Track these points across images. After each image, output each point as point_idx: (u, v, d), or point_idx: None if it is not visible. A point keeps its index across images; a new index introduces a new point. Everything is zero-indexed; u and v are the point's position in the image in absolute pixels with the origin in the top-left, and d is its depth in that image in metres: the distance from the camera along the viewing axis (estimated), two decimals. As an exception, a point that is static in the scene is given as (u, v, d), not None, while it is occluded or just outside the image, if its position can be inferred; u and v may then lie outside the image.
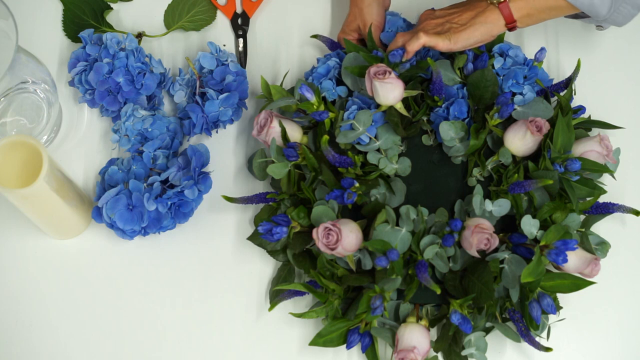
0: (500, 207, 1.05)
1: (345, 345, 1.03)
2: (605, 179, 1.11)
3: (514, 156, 1.08)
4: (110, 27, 1.23)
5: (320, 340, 1.03)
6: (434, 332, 1.07)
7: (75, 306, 1.11)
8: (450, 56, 1.13)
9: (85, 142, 1.18)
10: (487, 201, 1.05)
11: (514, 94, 1.10)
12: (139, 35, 1.22)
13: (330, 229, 1.00)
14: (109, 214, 1.07)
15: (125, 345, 1.09)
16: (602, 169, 1.06)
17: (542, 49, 1.12)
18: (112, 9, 1.24)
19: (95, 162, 1.17)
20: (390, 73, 1.05)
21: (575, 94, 1.14)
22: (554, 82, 1.17)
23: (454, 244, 1.03)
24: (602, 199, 1.11)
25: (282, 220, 1.04)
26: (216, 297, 1.11)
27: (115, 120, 1.16)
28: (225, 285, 1.11)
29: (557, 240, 1.01)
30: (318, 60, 1.16)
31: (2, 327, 1.10)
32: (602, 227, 1.11)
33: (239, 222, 1.14)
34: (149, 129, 1.13)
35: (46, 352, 1.09)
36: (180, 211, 1.09)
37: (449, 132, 1.08)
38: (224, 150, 1.17)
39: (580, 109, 1.13)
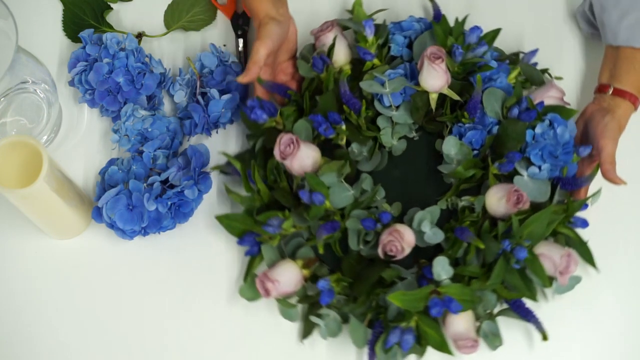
0: (434, 235, 1.03)
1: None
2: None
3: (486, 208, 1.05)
4: (110, 27, 1.23)
5: (225, 220, 1.05)
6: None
7: (75, 306, 1.11)
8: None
9: (85, 142, 1.18)
10: (426, 223, 1.03)
11: (529, 162, 1.05)
12: (139, 35, 1.22)
13: (292, 142, 1.02)
14: (109, 214, 1.07)
15: (126, 345, 1.09)
16: (568, 111, 1.05)
17: (588, 147, 1.06)
18: (112, 9, 1.24)
19: (95, 162, 1.17)
20: (443, 61, 1.05)
21: (589, 205, 1.08)
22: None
23: (373, 232, 1.03)
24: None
25: (268, 109, 1.06)
26: (216, 296, 1.11)
27: (115, 120, 1.16)
28: (226, 284, 1.11)
29: (454, 295, 0.98)
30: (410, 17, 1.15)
31: (2, 327, 1.10)
32: (515, 324, 1.07)
33: (239, 222, 1.14)
34: (149, 129, 1.13)
35: (46, 352, 1.09)
36: (180, 211, 1.09)
37: (451, 150, 1.07)
38: (224, 148, 1.17)
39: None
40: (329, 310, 1.04)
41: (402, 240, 1.00)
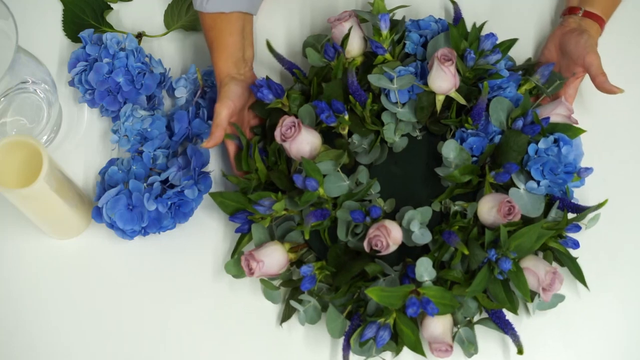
0: (422, 235, 1.03)
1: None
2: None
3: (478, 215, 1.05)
4: (110, 27, 1.23)
5: (218, 198, 1.06)
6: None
7: (75, 306, 1.11)
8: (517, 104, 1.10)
9: (85, 142, 1.18)
10: (415, 222, 1.02)
11: (528, 176, 1.05)
12: (139, 35, 1.22)
13: (294, 125, 1.03)
14: (109, 214, 1.07)
15: (126, 344, 1.09)
16: (574, 130, 1.05)
17: (589, 169, 1.06)
18: (112, 9, 1.24)
19: (95, 162, 1.17)
20: (452, 64, 1.04)
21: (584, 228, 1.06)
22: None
23: (362, 225, 1.03)
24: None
25: (275, 89, 1.07)
26: (217, 296, 1.11)
27: (115, 120, 1.16)
28: (226, 284, 1.11)
29: (433, 297, 0.98)
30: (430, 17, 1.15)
31: (2, 327, 1.10)
32: (493, 335, 1.07)
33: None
34: (149, 129, 1.13)
35: (46, 352, 1.09)
36: (180, 211, 1.09)
37: (450, 153, 1.06)
38: (224, 150, 1.17)
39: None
40: (310, 297, 1.04)
41: (388, 236, 1.00)
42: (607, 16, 1.14)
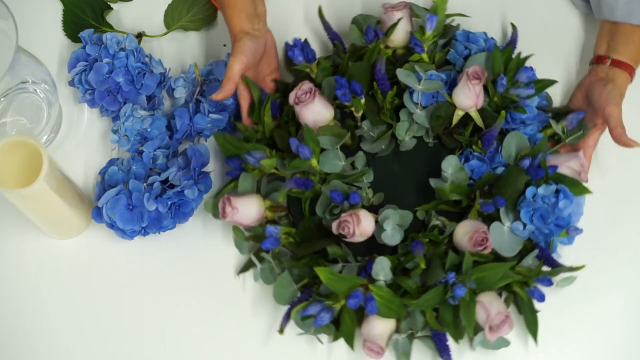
0: (392, 236, 1.03)
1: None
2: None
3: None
4: (110, 27, 1.23)
5: (220, 138, 1.08)
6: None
7: (75, 306, 1.11)
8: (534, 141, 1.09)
9: (85, 142, 1.18)
10: (389, 222, 1.03)
11: (517, 216, 1.03)
12: (139, 35, 1.22)
13: (311, 92, 1.05)
14: (109, 214, 1.07)
15: (126, 344, 1.09)
16: (581, 188, 1.03)
17: (579, 229, 1.03)
18: (112, 9, 1.24)
19: (95, 162, 1.17)
20: (479, 83, 1.04)
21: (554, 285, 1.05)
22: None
23: (341, 207, 1.03)
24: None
25: (307, 53, 1.10)
26: (217, 296, 1.11)
27: (115, 121, 1.16)
28: (227, 284, 1.11)
29: (379, 297, 0.98)
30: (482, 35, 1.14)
31: (2, 327, 1.10)
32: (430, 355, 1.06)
33: (239, 222, 1.14)
34: (149, 129, 1.13)
35: (46, 352, 1.09)
36: (181, 211, 1.09)
37: (449, 168, 1.06)
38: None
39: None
40: (271, 258, 1.05)
41: (357, 225, 1.00)
42: (637, 63, 1.12)
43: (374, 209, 1.06)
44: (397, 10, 1.13)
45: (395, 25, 1.11)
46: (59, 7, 1.24)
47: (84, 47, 1.16)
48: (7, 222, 1.13)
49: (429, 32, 1.10)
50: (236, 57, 1.06)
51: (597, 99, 1.09)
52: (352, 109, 1.09)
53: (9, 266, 1.12)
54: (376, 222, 1.04)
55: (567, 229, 1.03)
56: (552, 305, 1.06)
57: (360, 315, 1.01)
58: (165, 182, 1.10)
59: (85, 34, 1.16)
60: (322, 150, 1.06)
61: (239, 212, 1.03)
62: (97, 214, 1.09)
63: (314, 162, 1.04)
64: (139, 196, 1.07)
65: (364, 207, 1.06)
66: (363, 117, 1.10)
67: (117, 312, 1.10)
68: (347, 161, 1.07)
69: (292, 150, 1.04)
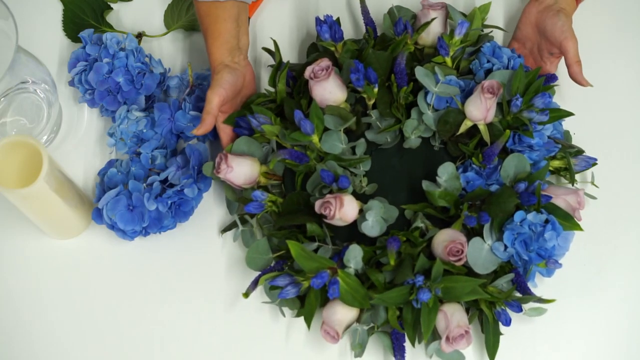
0: (371, 227, 1.03)
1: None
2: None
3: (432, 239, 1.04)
4: (110, 27, 1.23)
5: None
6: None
7: (75, 306, 1.11)
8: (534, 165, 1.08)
9: (85, 142, 1.18)
10: (371, 213, 1.02)
11: (500, 236, 1.02)
12: (139, 35, 1.22)
13: (327, 69, 1.06)
14: (109, 215, 1.07)
15: (126, 344, 1.09)
16: (573, 224, 1.02)
17: (558, 264, 1.02)
18: (112, 9, 1.24)
19: (95, 162, 1.17)
20: (492, 98, 1.04)
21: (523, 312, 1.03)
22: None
23: (330, 188, 1.04)
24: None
25: (335, 32, 1.10)
26: (218, 296, 1.11)
27: (115, 121, 1.16)
28: (227, 283, 1.11)
29: (345, 284, 0.98)
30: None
31: (2, 327, 1.10)
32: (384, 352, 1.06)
33: (239, 221, 1.14)
34: (144, 130, 1.13)
35: (46, 352, 1.09)
36: (181, 210, 1.09)
37: (444, 174, 1.05)
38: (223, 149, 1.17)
39: None
40: (253, 222, 1.06)
41: (339, 209, 1.00)
42: None
43: (365, 198, 1.06)
44: (434, 10, 1.13)
45: (428, 23, 1.12)
46: (59, 7, 1.24)
47: (84, 47, 1.16)
48: (7, 222, 1.13)
49: (456, 38, 1.11)
50: (215, 90, 1.06)
51: (551, 31, 1.10)
52: (365, 95, 1.09)
53: (9, 266, 1.12)
54: (361, 210, 1.04)
55: (547, 261, 1.01)
56: (518, 332, 1.06)
57: (326, 298, 1.01)
58: (164, 181, 1.10)
59: (85, 34, 1.16)
60: (326, 129, 1.07)
61: (233, 170, 1.04)
62: (97, 215, 1.08)
63: (315, 138, 1.05)
64: (139, 196, 1.07)
65: (355, 194, 1.06)
66: (374, 107, 1.10)
67: (117, 312, 1.10)
68: (348, 145, 1.08)
69: (295, 122, 1.05)
